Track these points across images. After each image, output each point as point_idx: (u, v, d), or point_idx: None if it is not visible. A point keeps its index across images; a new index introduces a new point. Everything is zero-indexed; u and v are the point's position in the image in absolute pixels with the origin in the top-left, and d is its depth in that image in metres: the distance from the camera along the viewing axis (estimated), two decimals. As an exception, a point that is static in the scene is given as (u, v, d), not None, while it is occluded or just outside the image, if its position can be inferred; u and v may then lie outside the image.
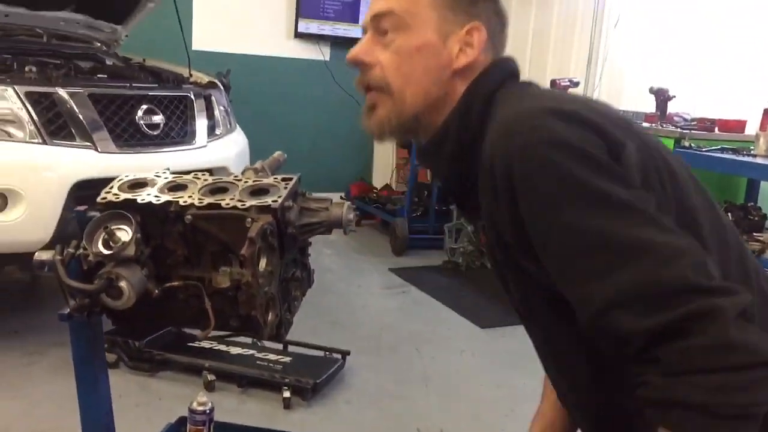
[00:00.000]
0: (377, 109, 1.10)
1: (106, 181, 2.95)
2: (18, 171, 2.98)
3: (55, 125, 3.11)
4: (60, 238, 2.97)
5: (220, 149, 3.83)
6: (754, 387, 0.77)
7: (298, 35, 6.26)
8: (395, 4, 1.08)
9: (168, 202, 1.61)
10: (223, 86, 4.32)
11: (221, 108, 4.04)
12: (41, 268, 1.63)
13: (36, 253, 1.60)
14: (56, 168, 3.05)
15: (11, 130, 3.00)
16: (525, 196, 0.89)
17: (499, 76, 1.10)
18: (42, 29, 4.02)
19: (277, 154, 2.21)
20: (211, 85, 4.08)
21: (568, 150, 0.86)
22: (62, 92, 3.15)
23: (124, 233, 1.57)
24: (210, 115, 3.87)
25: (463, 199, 1.14)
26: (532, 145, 0.88)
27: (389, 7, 1.08)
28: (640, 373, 0.82)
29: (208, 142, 3.75)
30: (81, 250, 1.56)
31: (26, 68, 3.33)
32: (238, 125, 4.24)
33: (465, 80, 1.09)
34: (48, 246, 2.87)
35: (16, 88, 3.04)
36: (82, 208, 1.68)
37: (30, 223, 2.98)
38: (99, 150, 3.18)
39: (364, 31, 1.13)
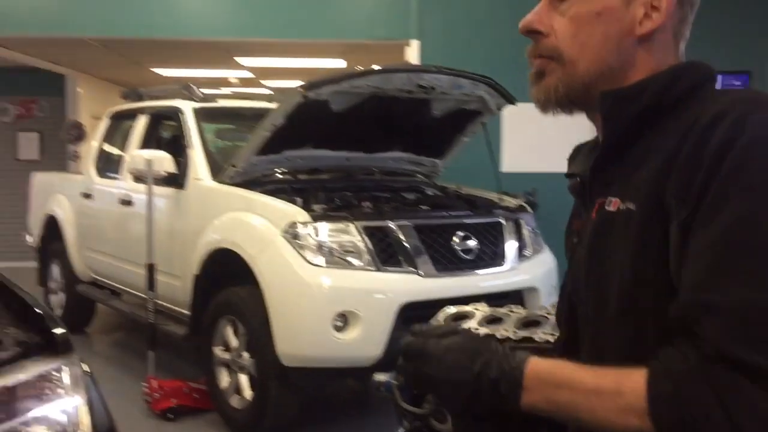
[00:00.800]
0: (546, 77, 1.00)
1: (428, 303, 3.27)
2: (357, 295, 3.45)
3: (386, 253, 3.57)
4: (389, 355, 3.33)
5: (528, 270, 4.01)
6: None
7: (603, 150, 6.31)
8: None
9: (487, 335, 1.79)
10: (530, 205, 4.55)
11: (529, 230, 4.23)
12: (378, 388, 1.89)
13: (374, 375, 1.86)
14: (387, 291, 3.48)
15: (351, 259, 3.52)
16: (720, 168, 0.82)
17: (710, 69, 0.99)
18: (375, 168, 4.67)
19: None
20: (520, 208, 4.32)
21: None
22: (392, 224, 3.62)
23: (449, 362, 1.78)
24: (519, 238, 4.09)
25: (604, 166, 1.01)
26: (754, 127, 0.83)
27: None
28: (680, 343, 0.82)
29: (517, 263, 3.95)
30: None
31: (363, 204, 3.90)
32: (545, 245, 4.39)
33: (649, 50, 0.97)
34: (380, 362, 3.27)
35: (356, 223, 3.58)
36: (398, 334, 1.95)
37: (365, 341, 3.40)
38: (422, 274, 3.55)
39: None
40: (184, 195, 4.41)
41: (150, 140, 5.14)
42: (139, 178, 4.60)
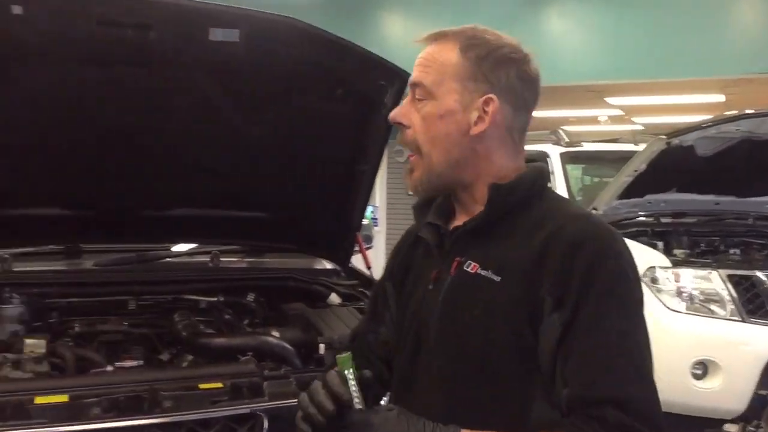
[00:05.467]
0: (414, 171, 1.21)
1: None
2: (717, 344, 3.37)
3: (753, 304, 3.42)
4: (750, 410, 3.19)
5: None
6: None
7: None
8: (425, 77, 1.19)
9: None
10: None
11: None
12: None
13: (725, 425, 1.92)
14: (753, 344, 3.33)
15: (714, 308, 3.45)
16: (594, 284, 1.08)
17: (548, 174, 1.29)
18: (750, 212, 4.42)
19: None
20: None
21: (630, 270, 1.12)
22: (761, 275, 3.45)
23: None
24: None
25: (472, 234, 1.20)
26: (610, 253, 1.12)
27: (420, 78, 1.19)
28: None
29: None
30: (759, 430, 1.83)
31: (731, 251, 3.78)
32: None
33: (484, 144, 1.19)
34: (741, 416, 3.16)
35: (720, 271, 3.50)
36: (764, 392, 1.95)
37: (725, 393, 3.30)
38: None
39: (407, 94, 1.24)
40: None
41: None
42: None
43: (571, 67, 6.77)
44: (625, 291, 1.10)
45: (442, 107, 1.17)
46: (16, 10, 1.58)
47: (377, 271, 2.79)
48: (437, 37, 1.20)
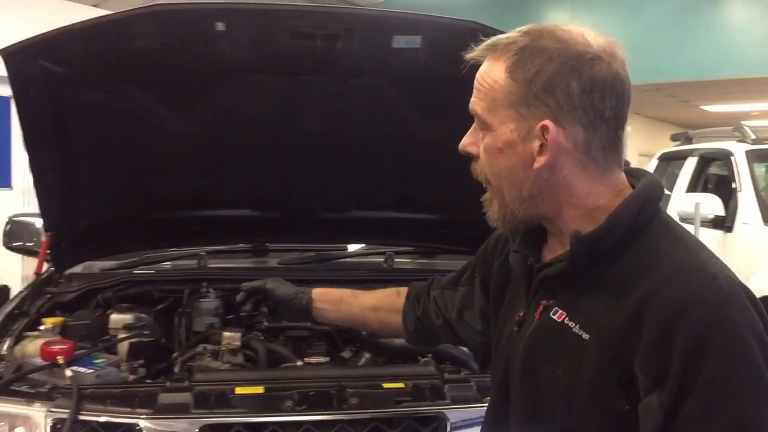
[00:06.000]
0: (492, 203, 1.08)
1: None
2: None
3: None
4: None
5: None
6: None
7: None
8: (477, 104, 1.05)
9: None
10: None
11: None
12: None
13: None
14: None
15: None
16: (701, 366, 0.88)
17: (660, 193, 1.06)
18: None
19: None
20: None
21: (754, 341, 0.90)
22: None
23: None
24: None
25: (560, 277, 1.04)
26: (722, 324, 0.90)
27: (473, 106, 1.05)
28: None
29: None
30: None
31: None
32: None
33: (559, 173, 1.01)
34: None
35: None
36: None
37: None
38: None
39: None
40: (731, 238, 4.41)
41: (697, 182, 5.26)
42: (685, 219, 4.76)
43: (755, 58, 6.28)
44: (746, 371, 0.89)
45: (500, 139, 1.02)
46: (220, 27, 1.71)
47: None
48: (488, 51, 1.04)
